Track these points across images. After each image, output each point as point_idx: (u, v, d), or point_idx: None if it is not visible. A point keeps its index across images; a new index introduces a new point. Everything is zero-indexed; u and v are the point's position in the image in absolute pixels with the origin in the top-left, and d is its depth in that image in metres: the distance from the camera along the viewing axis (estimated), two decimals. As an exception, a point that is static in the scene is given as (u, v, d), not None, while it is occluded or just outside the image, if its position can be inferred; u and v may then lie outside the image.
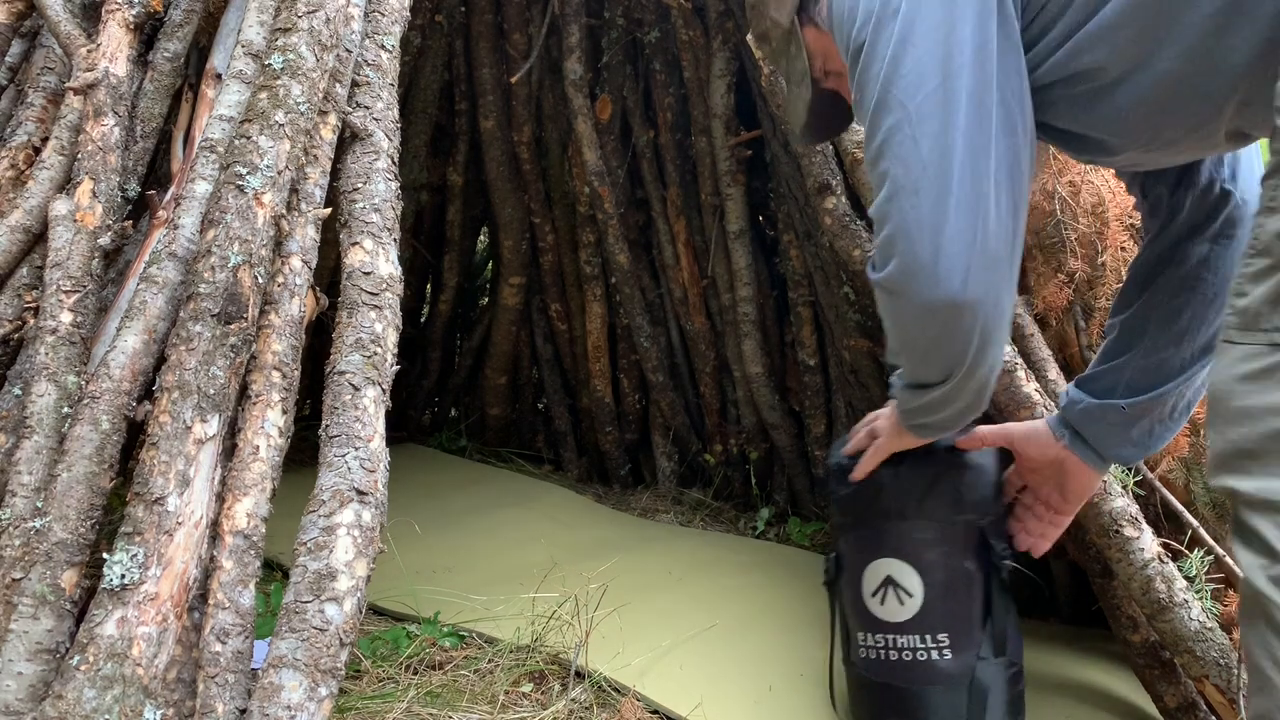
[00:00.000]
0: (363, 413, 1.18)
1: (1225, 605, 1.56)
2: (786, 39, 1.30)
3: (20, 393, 1.23)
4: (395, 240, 1.36)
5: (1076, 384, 1.41)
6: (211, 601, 1.05)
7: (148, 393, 1.18)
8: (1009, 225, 1.07)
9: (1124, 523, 1.53)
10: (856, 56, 1.11)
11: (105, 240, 1.34)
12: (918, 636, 1.44)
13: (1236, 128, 1.04)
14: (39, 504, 1.09)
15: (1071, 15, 1.04)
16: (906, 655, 1.44)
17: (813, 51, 1.29)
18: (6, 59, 1.59)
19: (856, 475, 1.48)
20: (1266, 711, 0.82)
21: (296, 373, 1.24)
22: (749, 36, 2.11)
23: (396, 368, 1.27)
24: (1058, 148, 1.24)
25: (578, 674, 1.66)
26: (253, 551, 1.10)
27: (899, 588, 1.46)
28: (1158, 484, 1.69)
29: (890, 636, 1.46)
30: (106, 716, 0.95)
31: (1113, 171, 1.61)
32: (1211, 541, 1.63)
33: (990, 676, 1.42)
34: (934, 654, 1.43)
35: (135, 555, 1.02)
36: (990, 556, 1.45)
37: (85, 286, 1.28)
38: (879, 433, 1.46)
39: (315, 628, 1.00)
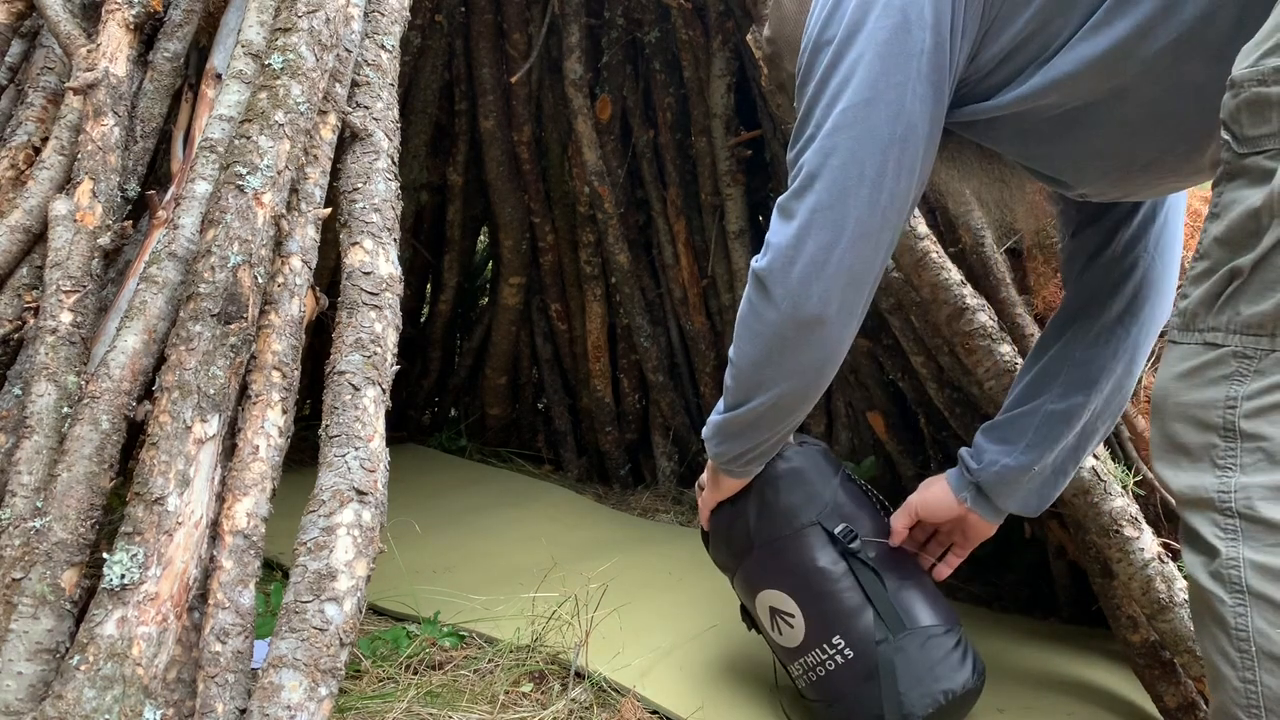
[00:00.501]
0: (363, 413, 1.18)
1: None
2: None
3: (20, 393, 1.23)
4: (395, 240, 1.36)
5: (983, 433, 1.45)
6: (211, 601, 1.05)
7: (148, 393, 1.18)
8: (882, 258, 1.15)
9: (1124, 523, 1.53)
10: (800, 68, 1.17)
11: (105, 240, 1.34)
12: (819, 650, 1.44)
13: (1217, 157, 1.06)
14: (39, 504, 1.09)
15: (1029, 52, 1.06)
16: (821, 671, 1.44)
17: None
18: (6, 59, 1.59)
19: (702, 521, 1.56)
20: (1222, 705, 0.84)
21: (296, 373, 1.24)
22: (749, 37, 2.12)
23: (396, 368, 1.27)
24: (1031, 177, 1.27)
25: (578, 674, 1.66)
26: (253, 551, 1.10)
27: (783, 614, 1.48)
28: (1158, 484, 1.69)
29: (802, 659, 1.47)
30: (106, 716, 0.95)
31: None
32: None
33: (893, 653, 1.39)
34: (839, 659, 1.42)
35: (135, 555, 1.02)
36: (839, 546, 1.44)
37: (85, 286, 1.28)
38: (703, 486, 1.52)
39: (315, 628, 1.00)
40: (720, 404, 1.34)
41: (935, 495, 1.48)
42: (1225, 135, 0.83)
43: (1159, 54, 0.97)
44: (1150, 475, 1.69)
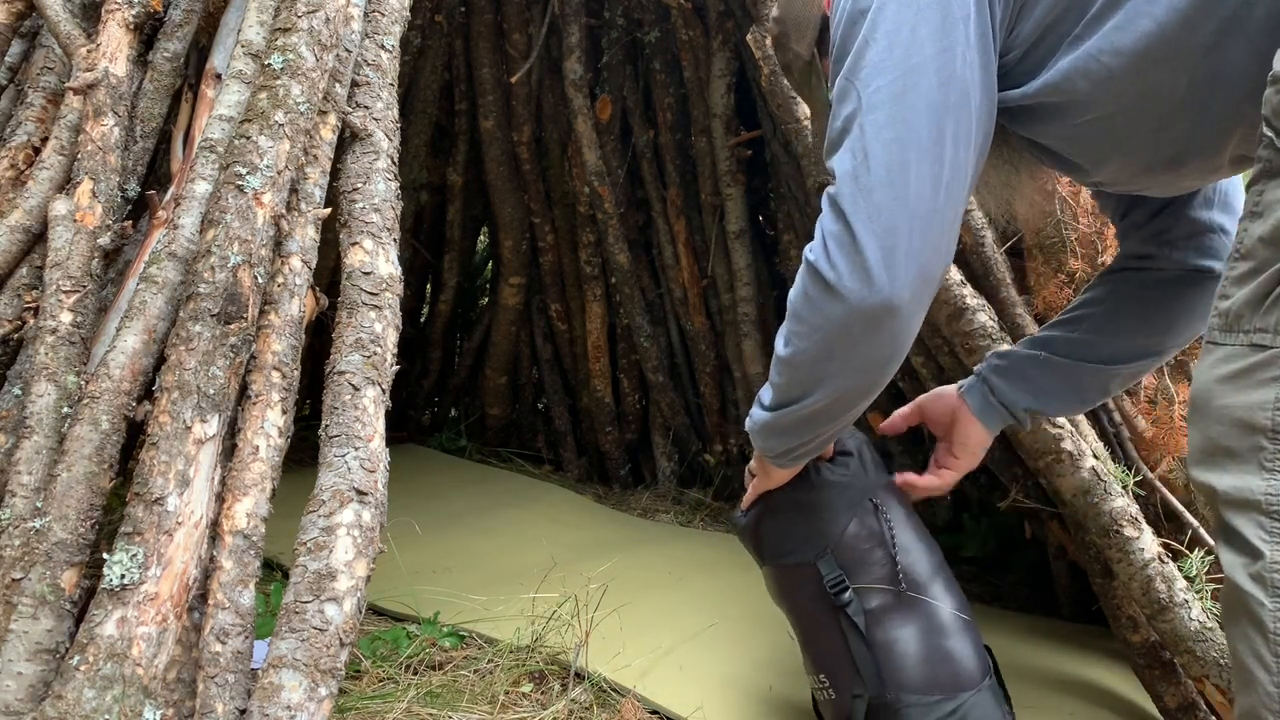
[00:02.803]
0: (363, 413, 1.18)
1: (1225, 605, 1.56)
2: (808, 71, 1.31)
3: (20, 393, 1.23)
4: (395, 240, 1.36)
5: (1020, 343, 1.42)
6: (211, 601, 1.05)
7: (148, 393, 1.18)
8: (949, 243, 1.07)
9: (1124, 523, 1.53)
10: (835, 56, 1.13)
11: (105, 240, 1.34)
12: (813, 677, 1.41)
13: (1240, 153, 1.05)
14: (39, 504, 1.09)
15: (1060, 31, 1.04)
16: (817, 693, 1.42)
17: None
18: (6, 59, 1.59)
19: (743, 506, 1.48)
20: (1251, 708, 0.83)
21: (296, 373, 1.24)
22: (749, 37, 2.12)
23: (396, 368, 1.27)
24: (1045, 165, 1.24)
25: (578, 674, 1.66)
26: (253, 551, 1.10)
27: (790, 630, 1.47)
28: (1158, 484, 1.69)
29: (809, 676, 1.45)
30: (106, 716, 0.95)
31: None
32: (1211, 541, 1.63)
33: (867, 710, 1.32)
34: (827, 693, 1.38)
35: (135, 555, 1.02)
36: (827, 595, 1.36)
37: (85, 286, 1.28)
38: (754, 469, 1.45)
39: (315, 628, 1.00)
40: (765, 397, 1.24)
41: (944, 389, 1.46)
42: (1268, 131, 0.81)
43: (1198, 43, 0.95)
44: (1150, 476, 1.69)
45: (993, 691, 1.35)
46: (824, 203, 1.08)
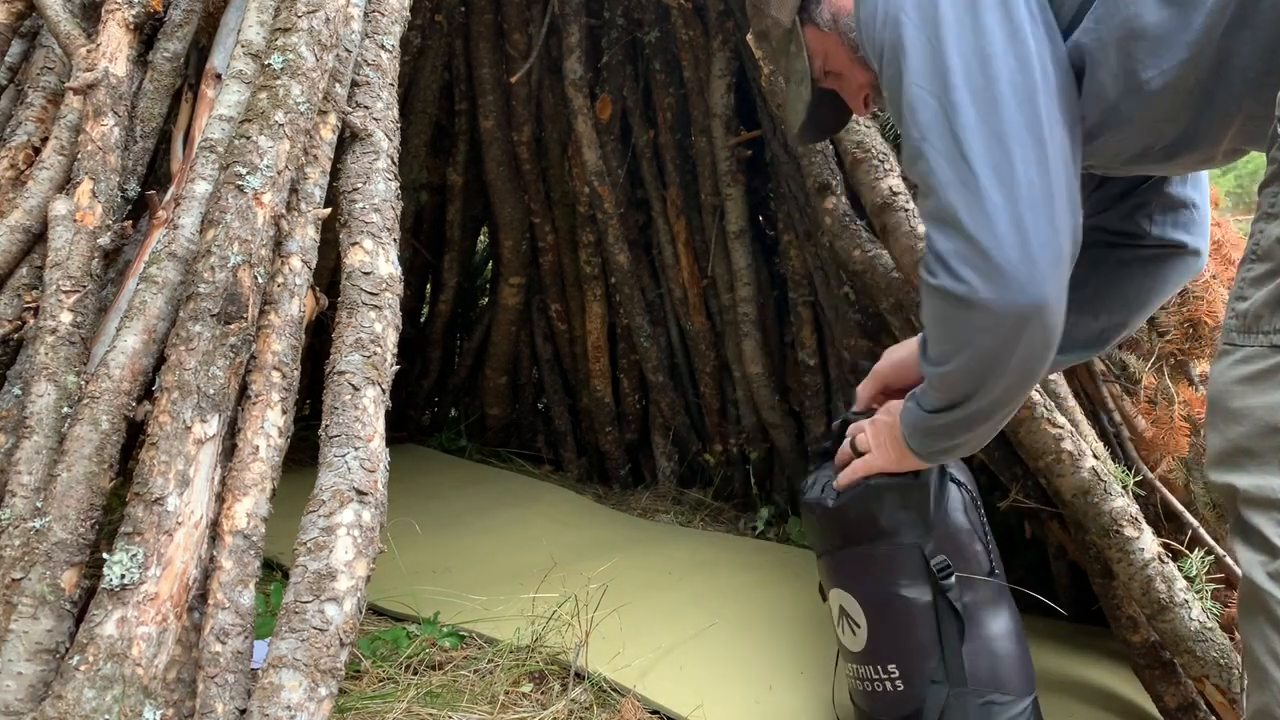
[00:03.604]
0: (363, 413, 1.18)
1: (1226, 605, 1.56)
2: (787, 38, 1.30)
3: (20, 393, 1.23)
4: (395, 240, 1.36)
5: None
6: (211, 601, 1.05)
7: (148, 393, 1.18)
8: (1073, 220, 1.03)
9: (1124, 523, 1.53)
10: (881, 56, 1.10)
11: (105, 240, 1.34)
12: (871, 667, 1.40)
13: (1234, 144, 1.05)
14: (39, 504, 1.09)
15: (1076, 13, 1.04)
16: (870, 686, 1.42)
17: (813, 51, 1.29)
18: (6, 59, 1.59)
19: (840, 484, 1.42)
20: (1265, 706, 0.83)
21: (296, 373, 1.24)
22: (749, 36, 2.12)
23: (396, 368, 1.27)
24: None
25: (578, 674, 1.66)
26: (253, 551, 1.10)
27: (850, 618, 1.44)
28: (1158, 484, 1.69)
29: (854, 666, 1.45)
30: (106, 716, 0.95)
31: None
32: (1211, 541, 1.63)
33: (946, 701, 1.33)
34: (889, 685, 1.38)
35: (135, 555, 1.02)
36: (932, 579, 1.37)
37: (85, 286, 1.28)
38: (864, 446, 1.39)
39: (315, 628, 1.00)
40: (924, 400, 1.20)
41: (901, 355, 1.42)
42: None
43: (1206, 31, 0.95)
44: (1150, 476, 1.69)
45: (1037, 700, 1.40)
46: (929, 224, 1.04)
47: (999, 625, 1.40)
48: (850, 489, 1.41)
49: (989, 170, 0.98)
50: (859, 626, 1.42)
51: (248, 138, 1.26)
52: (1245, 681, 0.88)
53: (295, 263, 1.29)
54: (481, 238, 3.74)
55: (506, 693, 1.61)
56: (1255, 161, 1.18)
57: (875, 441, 1.37)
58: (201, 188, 1.32)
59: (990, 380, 1.08)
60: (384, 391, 1.22)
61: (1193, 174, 1.31)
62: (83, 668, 0.96)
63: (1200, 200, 1.31)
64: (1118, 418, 1.77)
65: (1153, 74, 1.00)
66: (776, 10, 1.28)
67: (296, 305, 1.28)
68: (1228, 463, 0.88)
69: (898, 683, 1.37)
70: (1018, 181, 0.98)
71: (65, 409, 1.18)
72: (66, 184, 1.39)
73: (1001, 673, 1.36)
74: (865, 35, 1.15)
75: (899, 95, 1.06)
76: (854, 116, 1.58)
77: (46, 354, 1.21)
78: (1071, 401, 1.68)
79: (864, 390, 1.46)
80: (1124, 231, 1.32)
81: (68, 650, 1.01)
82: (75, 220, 1.33)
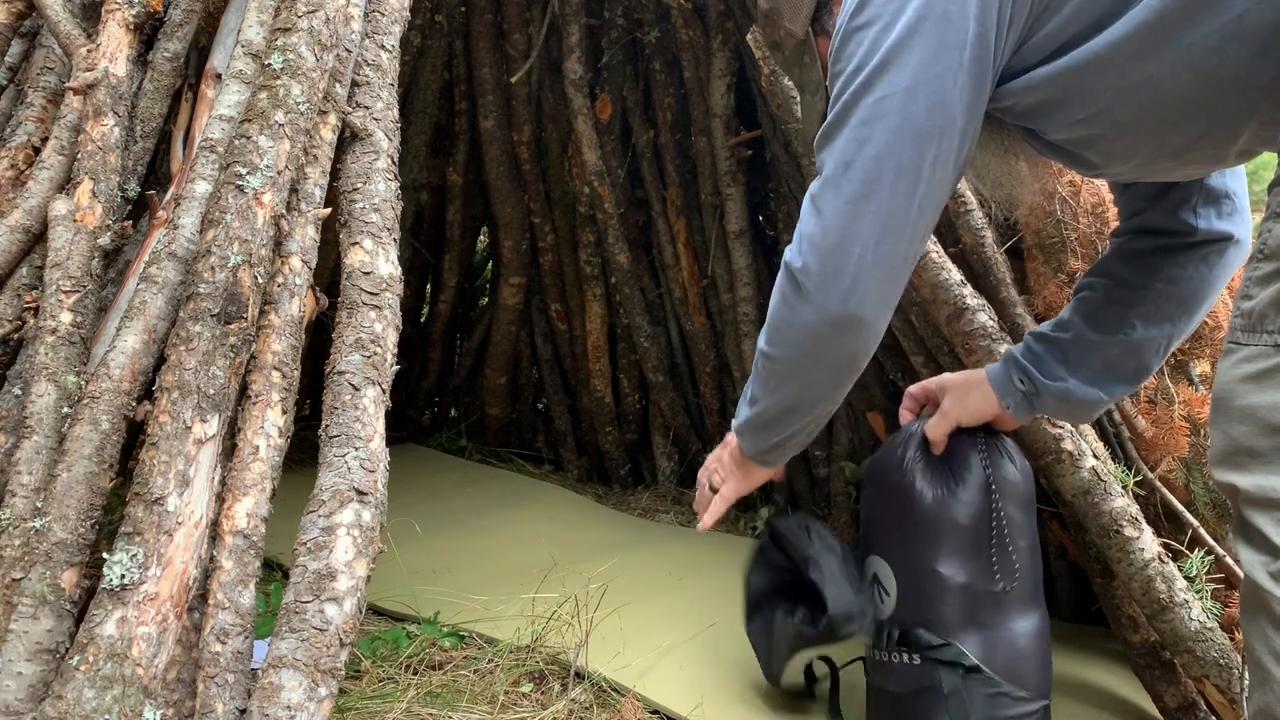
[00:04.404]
0: (363, 413, 1.18)
1: (1226, 605, 1.56)
2: (800, 49, 1.31)
3: (20, 393, 1.23)
4: (395, 240, 1.36)
5: (1045, 345, 1.40)
6: (211, 601, 1.05)
7: (148, 393, 1.18)
8: (915, 252, 1.12)
9: (1124, 523, 1.53)
10: (842, 27, 1.13)
11: (105, 240, 1.34)
12: (885, 637, 1.43)
13: (1247, 146, 1.05)
14: (39, 504, 1.09)
15: (1071, 27, 1.04)
16: (886, 657, 1.43)
17: (826, 61, 1.29)
18: (6, 59, 1.59)
19: (703, 527, 1.47)
20: (1267, 706, 0.83)
21: (296, 373, 1.24)
22: (749, 37, 2.12)
23: (396, 368, 1.27)
24: (1048, 158, 1.24)
25: (578, 674, 1.66)
26: (253, 551, 1.10)
27: (882, 586, 1.46)
28: (1158, 484, 1.69)
29: (877, 634, 1.46)
30: (106, 716, 0.95)
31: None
32: (1211, 541, 1.63)
33: (955, 682, 1.36)
34: (904, 658, 1.41)
35: (135, 555, 1.02)
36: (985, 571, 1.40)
37: (85, 286, 1.28)
38: (718, 483, 1.44)
39: (315, 628, 1.00)
40: (749, 393, 1.30)
41: (977, 404, 1.43)
42: None
43: (1200, 40, 0.94)
44: (1150, 476, 1.69)
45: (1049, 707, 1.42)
46: (805, 204, 1.13)
47: (1026, 624, 1.42)
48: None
49: (859, 184, 1.07)
50: (889, 596, 1.45)
51: (248, 138, 1.26)
52: (1246, 681, 0.88)
53: (295, 263, 1.29)
54: (481, 238, 3.74)
55: (506, 693, 1.61)
56: (1256, 161, 1.18)
57: (723, 472, 1.44)
58: (201, 188, 1.32)
59: (801, 370, 1.19)
60: (384, 391, 1.22)
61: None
62: (83, 668, 0.96)
63: (1239, 189, 1.31)
64: (1118, 418, 1.77)
65: (1141, 80, 1.00)
66: (790, 21, 1.29)
67: (296, 305, 1.28)
68: (1230, 462, 0.87)
69: (914, 658, 1.40)
70: (882, 205, 1.07)
71: (65, 409, 1.18)
72: (66, 184, 1.39)
73: (1020, 669, 1.39)
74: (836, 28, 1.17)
75: (834, 85, 1.12)
76: None
77: (46, 354, 1.21)
78: (1071, 401, 1.68)
79: (936, 432, 1.46)
80: (1171, 230, 1.32)
81: (68, 650, 1.01)
82: (75, 220, 1.33)
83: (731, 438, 1.41)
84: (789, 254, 1.14)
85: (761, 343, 1.23)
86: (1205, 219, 1.30)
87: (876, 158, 1.06)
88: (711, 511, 1.46)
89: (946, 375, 1.52)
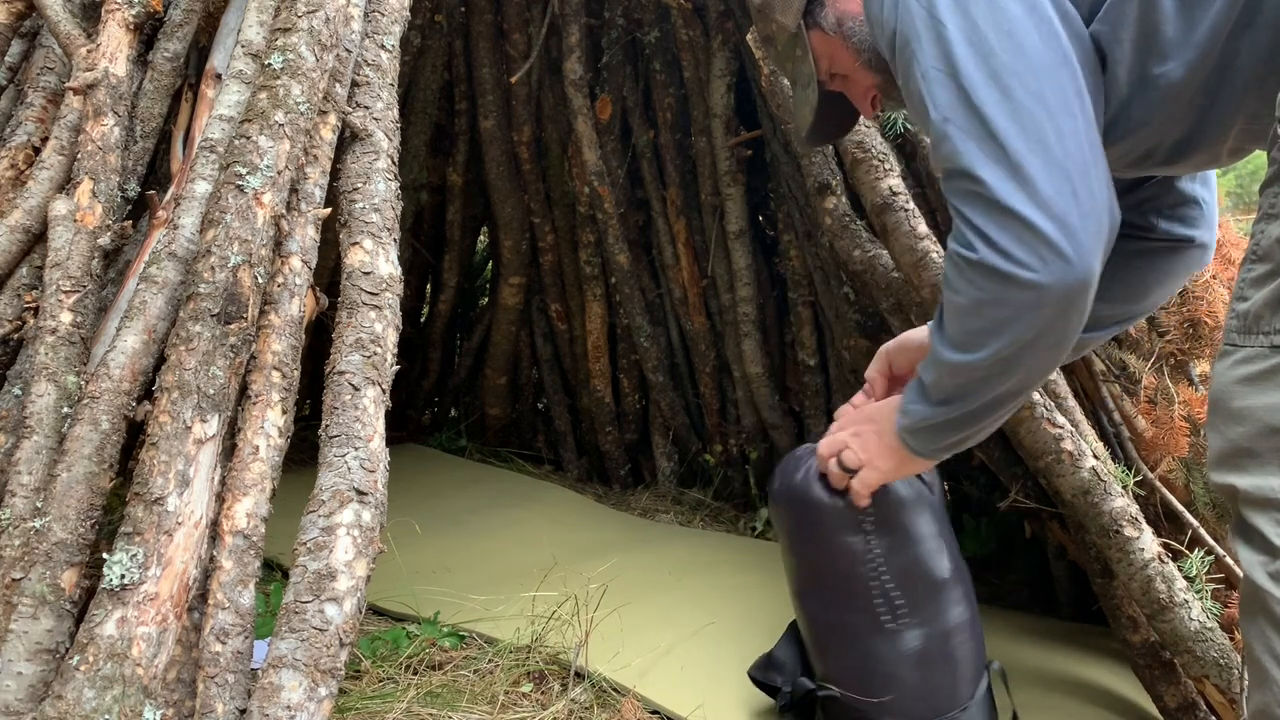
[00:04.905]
0: (363, 413, 1.18)
1: (1226, 605, 1.56)
2: (792, 43, 1.30)
3: (20, 393, 1.23)
4: (395, 240, 1.36)
5: None
6: (211, 601, 1.05)
7: (148, 393, 1.18)
8: (1110, 192, 0.99)
9: (1124, 523, 1.53)
10: (893, 45, 1.08)
11: (105, 240, 1.34)
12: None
13: (1237, 144, 1.05)
14: (39, 504, 1.09)
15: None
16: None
17: (818, 55, 1.28)
18: (6, 59, 1.59)
19: (861, 504, 1.37)
20: (1265, 705, 0.83)
21: (296, 373, 1.24)
22: (749, 37, 2.11)
23: (396, 368, 1.27)
24: None
25: (578, 674, 1.66)
26: (253, 551, 1.10)
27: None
28: (1158, 484, 1.69)
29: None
30: (106, 716, 0.95)
31: None
32: (1211, 541, 1.63)
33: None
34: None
35: (135, 555, 1.02)
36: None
37: (85, 286, 1.28)
38: (855, 463, 1.32)
39: (315, 628, 1.00)
40: (929, 393, 1.15)
41: (915, 338, 1.39)
42: None
43: (1213, 33, 0.94)
44: (1150, 476, 1.69)
45: (980, 708, 1.41)
46: (961, 200, 1.00)
47: (897, 654, 1.41)
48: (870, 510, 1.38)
49: (1022, 142, 0.95)
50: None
51: (248, 138, 1.26)
52: (1246, 681, 0.88)
53: (295, 263, 1.29)
54: (481, 238, 3.74)
55: (506, 693, 1.61)
56: (1255, 161, 1.19)
57: (865, 455, 1.31)
58: (201, 188, 1.32)
59: (1022, 362, 1.04)
60: (384, 391, 1.22)
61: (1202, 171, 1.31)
62: (83, 668, 0.96)
63: (1209, 196, 1.31)
64: (1118, 418, 1.77)
65: (1162, 73, 0.99)
66: (781, 15, 1.28)
67: (296, 305, 1.28)
68: (1228, 463, 0.88)
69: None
70: (1055, 152, 0.95)
71: (65, 409, 1.18)
72: (66, 184, 1.39)
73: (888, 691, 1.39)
74: (876, 28, 1.13)
75: (913, 83, 1.04)
76: (860, 119, 1.58)
77: (46, 354, 1.21)
78: (1071, 401, 1.68)
79: (871, 371, 1.43)
80: (1131, 224, 1.31)
81: (68, 650, 1.01)
82: (75, 220, 1.33)
83: (877, 411, 1.29)
84: (970, 251, 1.00)
85: (954, 355, 1.07)
86: (1168, 222, 1.30)
87: (1023, 108, 0.95)
88: (858, 497, 1.34)
89: (889, 343, 1.44)
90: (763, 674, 1.55)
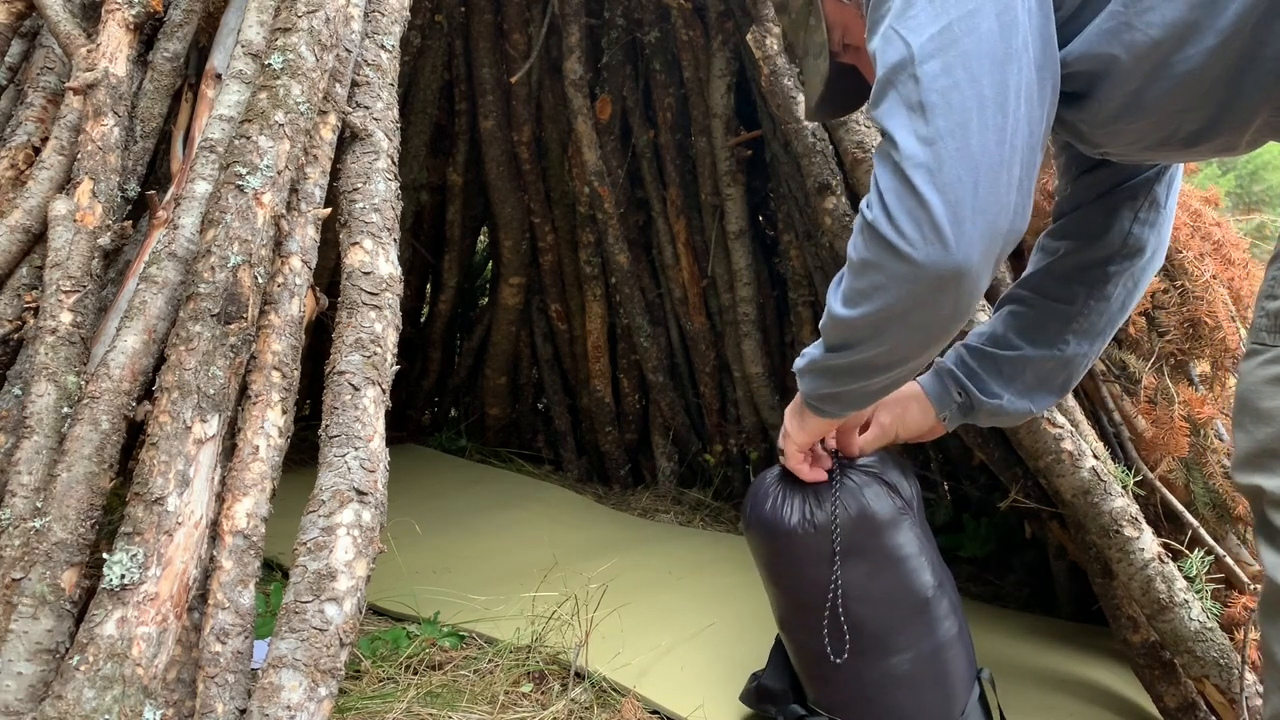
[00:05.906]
0: (363, 413, 1.18)
1: (1226, 605, 1.56)
2: (806, 10, 1.28)
3: (20, 393, 1.23)
4: (395, 240, 1.36)
5: (980, 360, 1.38)
6: (211, 601, 1.05)
7: (148, 393, 1.18)
8: (1019, 199, 0.99)
9: (1124, 523, 1.53)
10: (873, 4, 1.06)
11: (105, 240, 1.34)
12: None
13: (1256, 136, 1.04)
14: (39, 504, 1.09)
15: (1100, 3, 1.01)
16: None
17: (832, 24, 1.26)
18: (6, 59, 1.59)
19: (794, 465, 1.42)
20: None
21: (296, 373, 1.24)
22: (749, 37, 2.12)
23: (396, 368, 1.27)
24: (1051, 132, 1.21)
25: (578, 674, 1.66)
26: (252, 551, 1.10)
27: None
28: (1158, 484, 1.69)
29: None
30: (106, 716, 0.95)
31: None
32: (1211, 541, 1.63)
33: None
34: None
35: (135, 555, 1.02)
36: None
37: (85, 286, 1.28)
38: (783, 440, 1.40)
39: (315, 628, 1.00)
40: (821, 340, 1.18)
41: (916, 418, 1.41)
42: None
43: (1238, 20, 0.92)
44: (1150, 476, 1.69)
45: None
46: (877, 160, 1.01)
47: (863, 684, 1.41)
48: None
49: (942, 123, 0.95)
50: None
51: (248, 138, 1.26)
52: (1246, 681, 0.88)
53: (295, 263, 1.29)
54: (481, 238, 3.74)
55: (506, 693, 1.61)
56: (1256, 161, 1.18)
57: (792, 418, 1.37)
58: (201, 188, 1.32)
59: (890, 331, 1.06)
60: (384, 391, 1.22)
61: (1170, 172, 1.31)
62: (83, 668, 0.96)
63: (1169, 201, 1.32)
64: (1118, 418, 1.77)
65: (1180, 60, 0.97)
66: None
67: (296, 305, 1.28)
68: (1255, 464, 0.87)
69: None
70: (970, 143, 0.94)
71: (65, 409, 1.18)
72: (66, 184, 1.39)
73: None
74: None
75: (876, 40, 1.03)
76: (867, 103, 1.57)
77: (46, 354, 1.21)
78: (1071, 401, 1.68)
79: (870, 444, 1.45)
80: (1097, 234, 1.32)
81: (68, 650, 1.01)
82: (75, 220, 1.33)
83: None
84: (870, 210, 1.01)
85: (837, 307, 1.09)
86: (1139, 225, 1.31)
87: (954, 89, 0.94)
88: (793, 464, 1.40)
89: None
90: (755, 703, 1.55)
